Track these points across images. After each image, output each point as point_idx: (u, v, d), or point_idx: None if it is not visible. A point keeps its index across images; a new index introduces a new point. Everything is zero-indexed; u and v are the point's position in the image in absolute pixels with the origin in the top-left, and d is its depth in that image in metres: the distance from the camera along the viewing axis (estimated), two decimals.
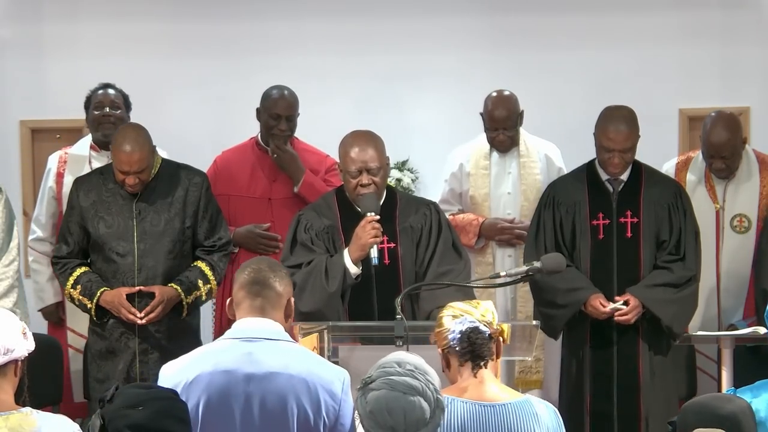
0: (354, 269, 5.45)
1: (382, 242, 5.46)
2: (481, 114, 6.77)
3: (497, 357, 4.14)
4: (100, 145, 6.82)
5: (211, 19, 8.02)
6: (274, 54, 7.98)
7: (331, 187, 6.64)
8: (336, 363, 4.84)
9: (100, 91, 6.81)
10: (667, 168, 6.64)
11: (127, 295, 5.90)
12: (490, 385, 4.06)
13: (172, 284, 5.92)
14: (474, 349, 4.04)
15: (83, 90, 6.91)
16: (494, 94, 6.75)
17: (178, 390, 3.80)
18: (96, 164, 6.76)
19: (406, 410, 3.47)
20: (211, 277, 6.04)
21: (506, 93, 6.74)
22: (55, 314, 6.88)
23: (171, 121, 7.75)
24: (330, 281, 5.44)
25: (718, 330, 6.41)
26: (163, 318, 5.92)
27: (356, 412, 3.73)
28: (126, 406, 3.46)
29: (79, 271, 6.03)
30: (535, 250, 6.05)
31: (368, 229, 5.40)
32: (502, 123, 6.69)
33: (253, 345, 3.90)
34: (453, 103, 7.90)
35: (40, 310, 6.89)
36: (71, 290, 6.03)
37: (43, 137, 8.00)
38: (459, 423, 3.96)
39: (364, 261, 5.45)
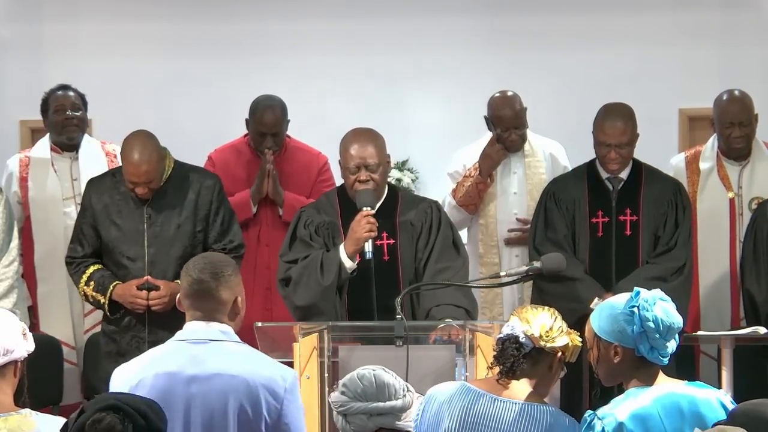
0: (349, 263, 5.46)
1: (376, 237, 5.47)
2: (486, 118, 6.71)
3: (551, 370, 4.08)
4: (62, 147, 6.73)
5: (211, 19, 8.02)
6: (274, 54, 7.98)
7: (326, 189, 6.64)
8: (336, 363, 4.87)
9: (59, 92, 6.66)
10: (676, 162, 6.65)
11: (138, 288, 5.89)
12: (516, 385, 4.03)
13: (178, 281, 5.89)
14: (500, 355, 4.04)
15: (83, 90, 6.89)
16: (497, 95, 6.72)
17: None
18: (59, 166, 6.69)
19: (376, 376, 3.71)
20: None
21: (509, 93, 6.72)
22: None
23: (171, 120, 7.74)
24: (325, 275, 5.45)
25: (731, 317, 6.45)
26: (173, 324, 5.87)
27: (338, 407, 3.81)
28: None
29: (92, 268, 6.02)
30: (548, 241, 6.08)
31: (363, 223, 5.41)
32: (513, 122, 6.65)
33: (199, 347, 3.90)
34: (453, 103, 7.90)
35: None
36: (84, 287, 6.01)
37: (42, 137, 7.97)
38: (459, 403, 3.99)
39: (362, 258, 5.46)
